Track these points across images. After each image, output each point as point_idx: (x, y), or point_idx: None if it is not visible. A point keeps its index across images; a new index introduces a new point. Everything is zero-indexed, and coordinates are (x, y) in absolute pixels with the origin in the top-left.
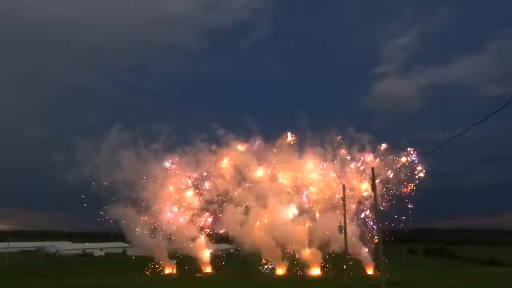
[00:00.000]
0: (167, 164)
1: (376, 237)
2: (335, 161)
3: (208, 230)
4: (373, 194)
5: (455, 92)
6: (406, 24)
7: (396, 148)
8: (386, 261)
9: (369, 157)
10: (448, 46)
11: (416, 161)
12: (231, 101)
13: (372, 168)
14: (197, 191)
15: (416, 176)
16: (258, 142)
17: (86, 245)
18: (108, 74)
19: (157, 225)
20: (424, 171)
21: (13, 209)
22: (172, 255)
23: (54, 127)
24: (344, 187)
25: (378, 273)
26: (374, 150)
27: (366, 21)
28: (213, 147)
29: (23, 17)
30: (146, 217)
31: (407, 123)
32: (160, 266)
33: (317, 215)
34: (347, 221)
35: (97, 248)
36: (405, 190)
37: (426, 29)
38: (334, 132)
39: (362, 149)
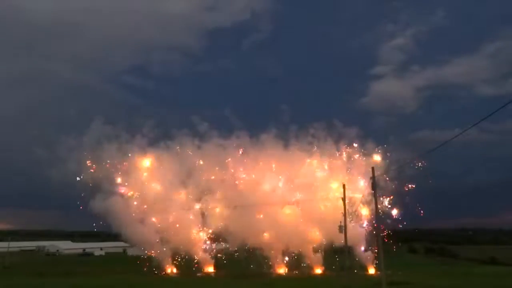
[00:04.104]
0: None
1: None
2: (323, 156)
3: (200, 227)
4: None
5: (452, 92)
6: (402, 25)
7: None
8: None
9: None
10: (444, 47)
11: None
12: (230, 101)
13: (373, 168)
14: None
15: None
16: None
17: (86, 244)
18: (108, 74)
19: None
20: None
21: (13, 209)
22: (172, 255)
23: (53, 127)
24: (344, 186)
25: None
26: (364, 147)
27: (364, 22)
28: (203, 144)
29: (23, 18)
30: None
31: (405, 123)
32: (160, 266)
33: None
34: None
35: (97, 248)
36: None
37: (422, 30)
38: (321, 127)
39: (350, 144)
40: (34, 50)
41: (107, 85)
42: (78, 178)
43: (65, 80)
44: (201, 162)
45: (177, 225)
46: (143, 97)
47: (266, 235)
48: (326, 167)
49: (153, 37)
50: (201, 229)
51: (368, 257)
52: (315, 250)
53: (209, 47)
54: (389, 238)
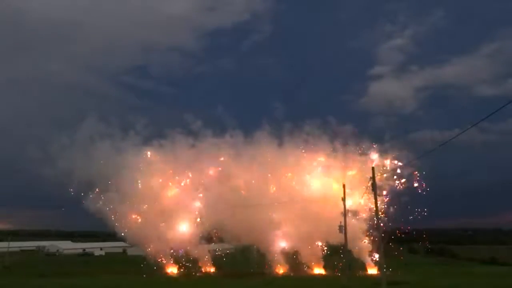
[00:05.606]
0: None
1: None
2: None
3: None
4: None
5: (451, 92)
6: (401, 25)
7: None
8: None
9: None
10: (443, 48)
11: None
12: (229, 102)
13: (373, 168)
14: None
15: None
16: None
17: (86, 244)
18: (108, 74)
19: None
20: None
21: (13, 208)
22: (172, 255)
23: (52, 127)
24: (344, 186)
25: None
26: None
27: (363, 23)
28: (198, 143)
29: (22, 18)
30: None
31: (404, 123)
32: (160, 265)
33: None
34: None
35: (97, 248)
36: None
37: (420, 30)
38: (317, 125)
39: (346, 143)
40: (34, 50)
41: (107, 85)
42: (73, 177)
43: (65, 80)
44: (195, 160)
45: (173, 223)
46: (142, 98)
47: (263, 234)
48: (322, 165)
49: (153, 37)
50: (197, 227)
51: (368, 253)
52: (314, 249)
53: (209, 47)
54: (390, 239)
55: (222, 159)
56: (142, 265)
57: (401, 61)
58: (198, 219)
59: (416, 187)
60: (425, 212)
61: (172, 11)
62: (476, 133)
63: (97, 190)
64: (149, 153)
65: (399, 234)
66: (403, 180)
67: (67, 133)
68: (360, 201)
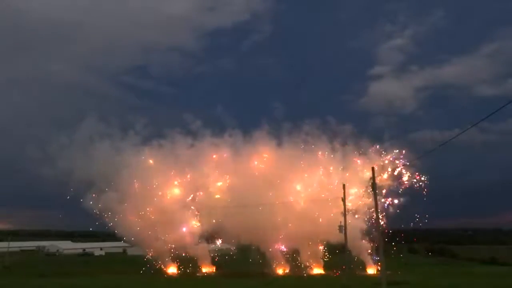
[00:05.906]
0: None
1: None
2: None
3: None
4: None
5: (451, 92)
6: (401, 25)
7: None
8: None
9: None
10: (443, 47)
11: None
12: (229, 102)
13: (373, 168)
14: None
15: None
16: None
17: (86, 244)
18: (108, 74)
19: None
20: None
21: (13, 208)
22: (172, 255)
23: (52, 127)
24: (344, 186)
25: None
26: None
27: (363, 23)
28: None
29: (22, 18)
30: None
31: (404, 123)
32: (160, 265)
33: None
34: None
35: (97, 248)
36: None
37: (420, 30)
38: (316, 125)
39: (346, 143)
40: (34, 50)
41: (107, 85)
42: (73, 177)
43: (65, 80)
44: (195, 160)
45: (172, 223)
46: (142, 98)
47: (263, 234)
48: (322, 165)
49: (153, 37)
50: (197, 227)
51: (368, 253)
52: (314, 249)
53: (209, 47)
54: (390, 240)
55: (221, 157)
56: (141, 271)
57: (401, 61)
58: (198, 220)
59: (417, 187)
60: (426, 219)
61: (172, 11)
62: (476, 133)
63: (96, 191)
64: (148, 153)
65: (397, 239)
66: (404, 179)
67: (67, 133)
68: (359, 202)
